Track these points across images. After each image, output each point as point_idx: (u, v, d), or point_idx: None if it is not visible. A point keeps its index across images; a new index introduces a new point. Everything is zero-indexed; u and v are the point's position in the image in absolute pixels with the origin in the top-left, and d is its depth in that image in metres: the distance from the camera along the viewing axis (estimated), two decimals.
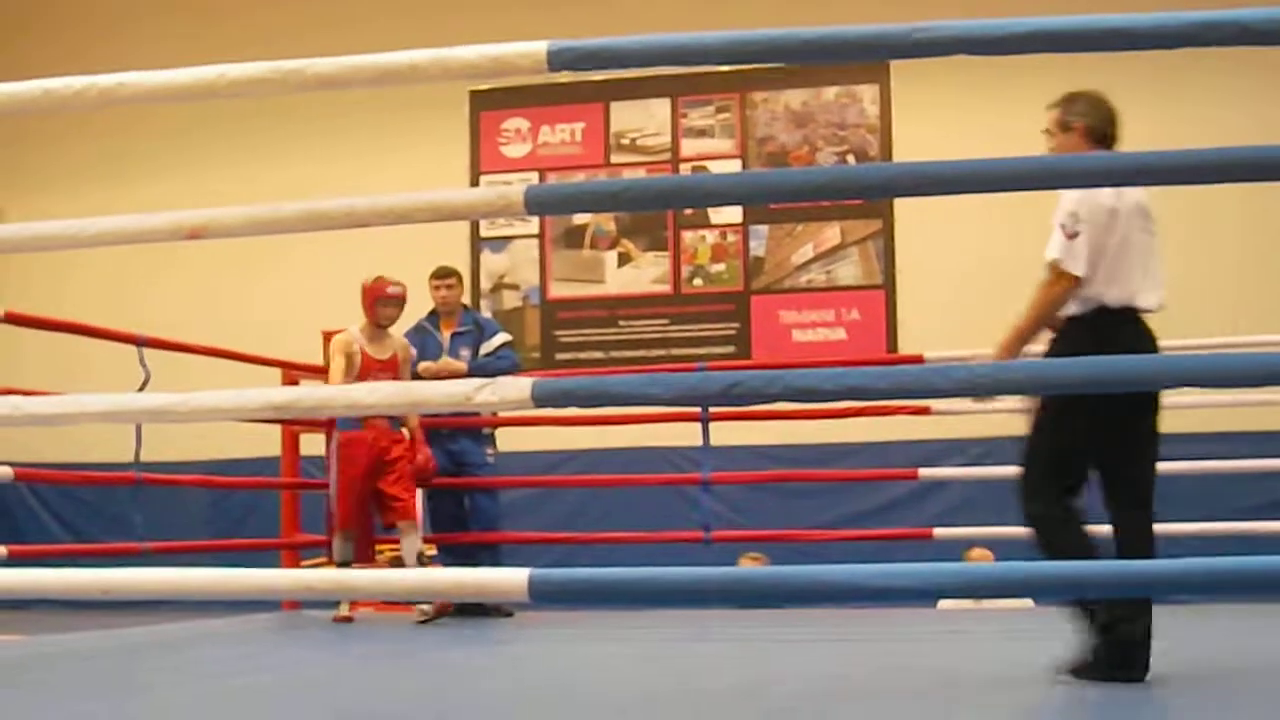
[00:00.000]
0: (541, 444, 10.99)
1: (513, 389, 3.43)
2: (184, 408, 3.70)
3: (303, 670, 6.48)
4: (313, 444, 10.10)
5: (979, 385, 3.28)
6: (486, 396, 3.42)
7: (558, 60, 3.48)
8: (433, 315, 9.89)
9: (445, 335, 9.73)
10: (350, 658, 7.12)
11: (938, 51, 3.25)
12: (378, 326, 9.05)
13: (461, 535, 9.66)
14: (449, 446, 9.65)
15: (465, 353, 9.66)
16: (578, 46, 3.48)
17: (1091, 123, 5.63)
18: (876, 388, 3.51)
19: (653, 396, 3.37)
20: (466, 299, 10.16)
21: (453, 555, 9.75)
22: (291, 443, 10.00)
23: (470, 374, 9.20)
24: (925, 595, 3.17)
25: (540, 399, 3.41)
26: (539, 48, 3.48)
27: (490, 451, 9.82)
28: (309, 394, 3.75)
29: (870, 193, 3.63)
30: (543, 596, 3.31)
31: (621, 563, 3.53)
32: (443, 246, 14.23)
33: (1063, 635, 5.38)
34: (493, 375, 9.28)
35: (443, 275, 9.92)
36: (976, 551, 10.32)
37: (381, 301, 9.05)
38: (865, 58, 3.23)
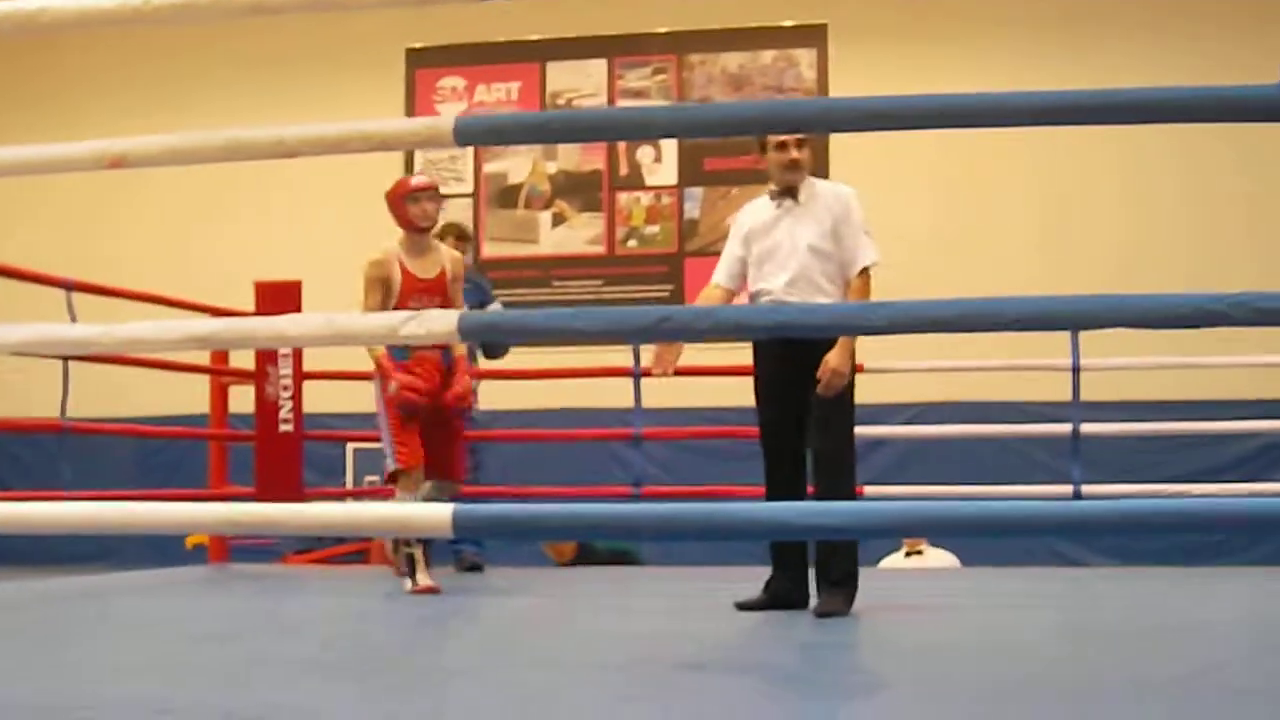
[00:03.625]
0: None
1: (439, 322, 3.39)
2: (107, 339, 3.64)
3: (225, 620, 6.43)
4: (241, 399, 10.00)
5: (909, 321, 3.26)
6: (413, 329, 3.37)
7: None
8: None
9: None
10: (271, 608, 7.07)
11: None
12: (418, 232, 7.64)
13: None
14: None
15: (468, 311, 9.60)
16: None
17: None
18: (807, 323, 3.49)
19: (579, 330, 3.33)
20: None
21: None
22: (220, 395, 9.90)
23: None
24: (858, 533, 3.15)
25: (466, 332, 3.37)
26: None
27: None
28: (231, 325, 3.70)
29: (805, 126, 3.60)
30: (466, 531, 3.27)
31: None
32: (381, 205, 14.17)
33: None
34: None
35: (457, 234, 9.69)
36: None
37: (410, 198, 7.66)
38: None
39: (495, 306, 9.79)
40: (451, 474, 7.82)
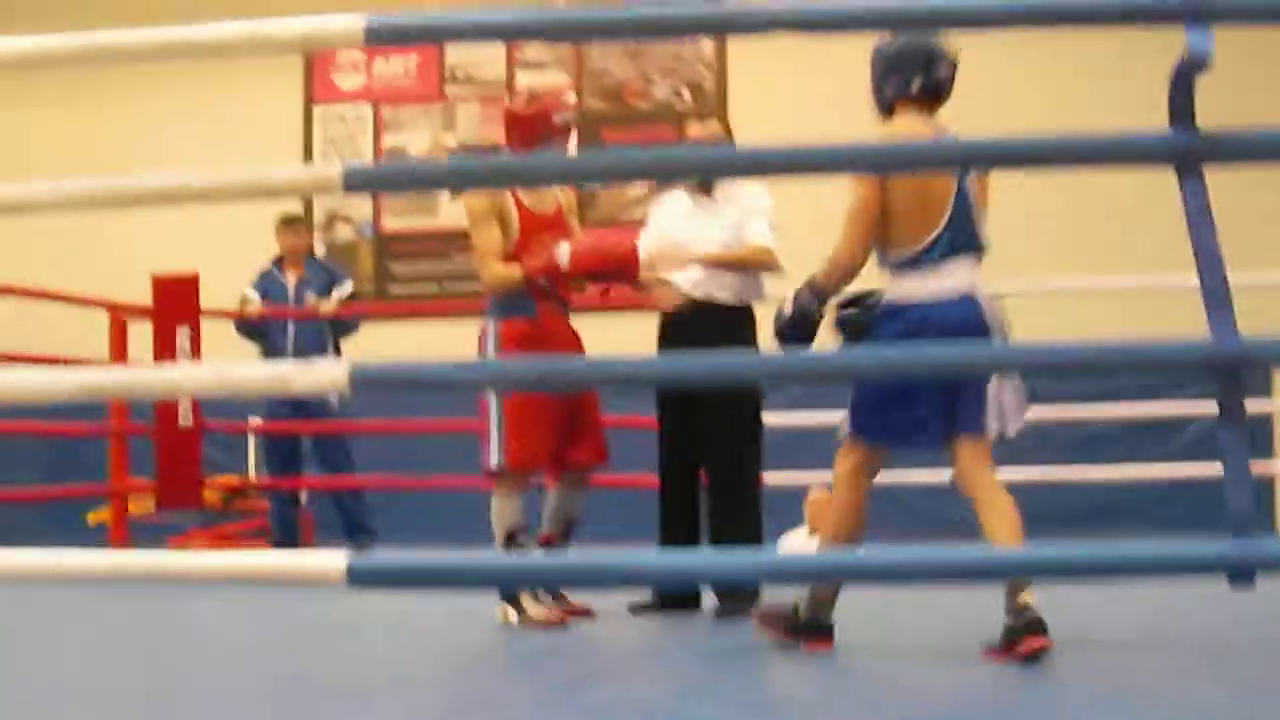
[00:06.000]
0: None
1: (328, 373, 3.36)
2: None
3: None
4: None
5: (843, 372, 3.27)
6: (304, 381, 3.35)
7: (374, 36, 3.36)
8: (279, 260, 10.16)
9: (291, 279, 10.00)
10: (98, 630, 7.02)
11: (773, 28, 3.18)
12: None
13: (292, 480, 9.78)
14: None
15: (310, 296, 9.90)
16: (395, 23, 3.36)
17: None
18: (687, 376, 3.48)
19: (468, 381, 3.32)
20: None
21: (282, 501, 9.82)
22: None
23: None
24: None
25: (358, 383, 3.33)
26: (356, 23, 3.35)
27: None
28: (123, 376, 3.66)
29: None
30: (364, 586, 3.22)
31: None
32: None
33: None
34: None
35: (290, 222, 10.21)
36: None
37: (558, 115, 6.33)
38: (703, 32, 3.16)
39: (346, 286, 9.95)
40: (592, 459, 6.34)
